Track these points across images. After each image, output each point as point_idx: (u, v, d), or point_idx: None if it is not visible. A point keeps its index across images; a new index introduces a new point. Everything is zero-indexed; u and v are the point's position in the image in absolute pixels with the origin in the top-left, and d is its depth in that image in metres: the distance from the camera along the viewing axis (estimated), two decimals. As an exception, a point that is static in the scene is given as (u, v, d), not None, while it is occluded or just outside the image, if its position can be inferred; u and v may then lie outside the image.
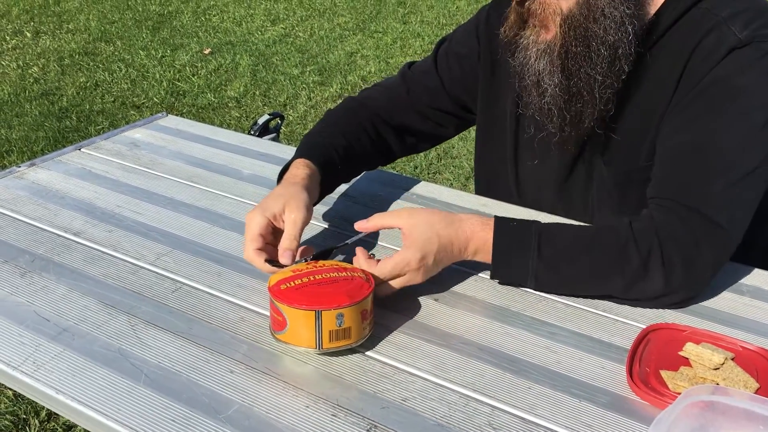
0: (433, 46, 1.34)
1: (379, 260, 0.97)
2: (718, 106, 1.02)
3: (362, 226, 1.01)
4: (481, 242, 1.00)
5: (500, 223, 1.01)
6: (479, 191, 1.38)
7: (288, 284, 0.90)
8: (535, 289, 1.02)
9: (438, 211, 1.02)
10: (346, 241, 1.05)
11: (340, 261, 1.01)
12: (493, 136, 1.29)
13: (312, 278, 0.91)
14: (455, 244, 0.99)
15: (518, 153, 1.26)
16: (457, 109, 1.32)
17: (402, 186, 1.34)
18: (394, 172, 1.36)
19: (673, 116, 1.06)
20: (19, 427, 1.86)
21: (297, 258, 0.98)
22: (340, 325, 0.88)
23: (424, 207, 1.05)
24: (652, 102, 1.08)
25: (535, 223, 1.02)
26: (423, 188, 1.34)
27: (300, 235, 0.99)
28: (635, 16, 1.04)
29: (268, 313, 0.96)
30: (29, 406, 1.91)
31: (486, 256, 1.01)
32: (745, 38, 1.01)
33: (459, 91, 1.30)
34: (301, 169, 1.10)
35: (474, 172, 1.40)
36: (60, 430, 1.84)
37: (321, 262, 0.96)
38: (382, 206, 1.26)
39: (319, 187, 1.12)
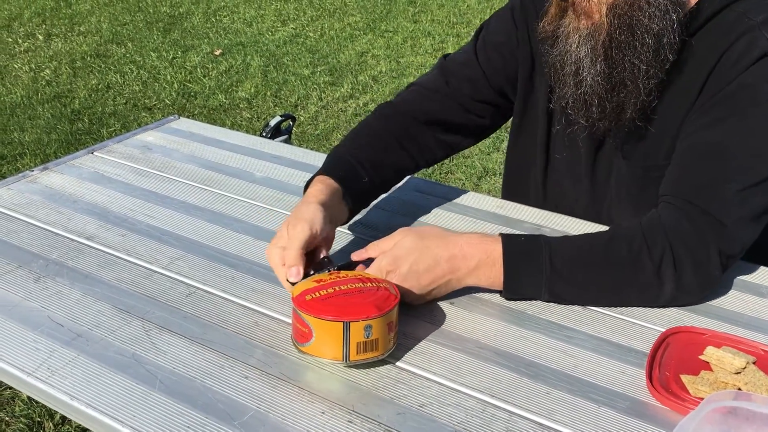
0: (472, 35, 1.31)
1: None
2: (741, 111, 1.01)
3: (359, 255, 0.99)
4: (483, 255, 0.97)
5: (508, 238, 0.99)
6: (507, 180, 1.37)
7: (313, 295, 0.88)
8: (549, 302, 1.01)
9: (435, 228, 1.00)
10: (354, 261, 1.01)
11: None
12: (528, 124, 1.27)
13: (337, 288, 0.89)
14: (443, 257, 0.96)
15: (550, 145, 1.24)
16: (498, 99, 1.28)
17: (417, 188, 1.33)
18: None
19: (696, 117, 1.05)
20: (34, 430, 1.86)
21: (313, 270, 0.96)
22: (368, 337, 0.86)
23: (425, 226, 1.02)
24: (677, 101, 1.07)
25: (543, 238, 1.00)
26: (439, 190, 1.33)
27: (303, 250, 0.95)
28: (678, 4, 1.02)
29: (283, 319, 0.96)
30: (43, 409, 1.91)
31: (490, 271, 0.97)
32: None
33: (501, 81, 1.26)
34: (315, 186, 1.07)
35: (505, 159, 1.38)
36: (74, 432, 1.85)
37: (344, 273, 0.94)
38: (397, 208, 1.25)
39: (345, 202, 1.09)
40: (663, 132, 1.09)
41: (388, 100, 1.31)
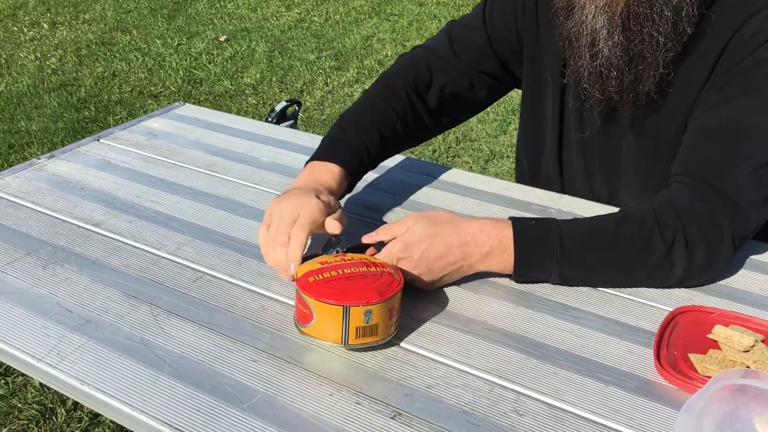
0: (478, 4, 1.29)
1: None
2: (755, 88, 1.00)
3: (371, 238, 0.99)
4: (495, 241, 0.96)
5: (518, 223, 0.98)
6: (519, 161, 1.36)
7: (316, 277, 0.88)
8: (558, 284, 1.00)
9: (447, 213, 0.99)
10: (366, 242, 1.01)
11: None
12: (539, 98, 1.26)
13: (341, 272, 0.89)
14: (455, 244, 0.95)
15: (563, 122, 1.23)
16: (500, 70, 1.27)
17: (424, 171, 1.33)
18: (413, 156, 1.34)
19: (709, 94, 1.04)
20: (47, 416, 1.88)
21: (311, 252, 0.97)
22: (367, 322, 0.86)
23: (436, 210, 1.01)
24: (690, 76, 1.05)
25: (554, 221, 0.99)
26: (446, 173, 1.32)
27: (302, 253, 0.96)
28: None
29: (290, 302, 0.96)
30: (56, 396, 1.93)
31: (501, 257, 0.97)
32: None
33: (505, 50, 1.24)
34: (326, 176, 1.08)
35: (517, 139, 1.36)
36: (86, 418, 1.87)
37: (350, 256, 0.94)
38: (404, 192, 1.25)
39: (345, 185, 1.11)
40: (675, 107, 1.08)
41: (399, 60, 1.29)
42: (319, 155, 1.12)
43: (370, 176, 1.29)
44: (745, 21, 1.00)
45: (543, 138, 1.28)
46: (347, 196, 1.22)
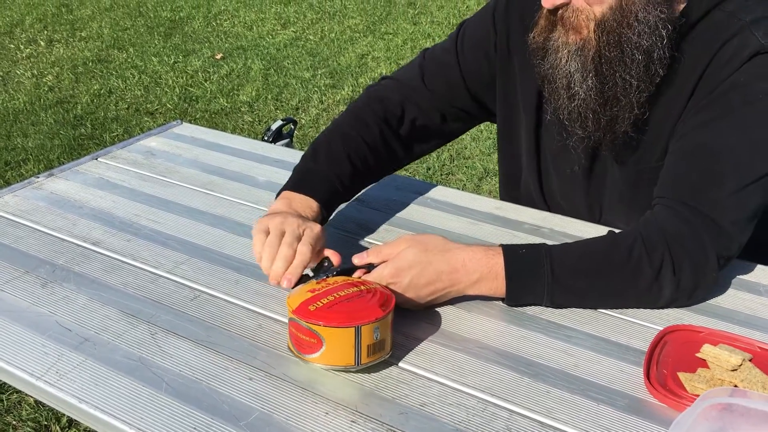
0: (452, 33, 1.29)
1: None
2: (734, 110, 1.02)
3: (361, 259, 0.99)
4: (486, 269, 0.98)
5: (509, 250, 0.99)
6: (503, 188, 1.37)
7: (316, 304, 0.88)
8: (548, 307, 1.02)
9: (439, 239, 1.00)
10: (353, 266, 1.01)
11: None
12: (514, 133, 1.27)
13: (337, 295, 0.89)
14: (445, 272, 0.96)
15: (541, 152, 1.24)
16: (472, 105, 1.28)
17: (416, 190, 1.35)
18: (407, 175, 1.36)
19: (689, 117, 1.06)
20: (41, 433, 1.88)
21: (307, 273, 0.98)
22: (376, 339, 0.87)
23: (428, 234, 1.02)
24: (670, 103, 1.08)
25: (544, 247, 1.00)
26: (438, 192, 1.34)
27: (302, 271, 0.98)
28: (668, 20, 1.02)
29: (286, 321, 0.97)
30: (50, 413, 1.93)
31: (492, 284, 0.98)
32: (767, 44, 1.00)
33: (477, 86, 1.26)
34: (305, 209, 1.08)
35: (498, 167, 1.38)
36: (81, 436, 1.86)
37: (332, 280, 0.94)
38: (396, 210, 1.27)
39: (320, 218, 1.11)
40: (657, 135, 1.10)
41: (368, 91, 1.29)
42: (294, 186, 1.12)
43: (362, 194, 1.31)
44: (721, 46, 1.03)
45: (522, 169, 1.29)
46: (340, 214, 1.23)
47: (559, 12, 1.05)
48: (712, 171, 1.02)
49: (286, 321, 0.97)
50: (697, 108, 1.05)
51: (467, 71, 1.25)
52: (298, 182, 1.13)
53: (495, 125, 1.33)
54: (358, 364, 0.87)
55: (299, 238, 0.98)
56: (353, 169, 1.18)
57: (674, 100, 1.07)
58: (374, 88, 1.30)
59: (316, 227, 1.01)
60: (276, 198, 1.12)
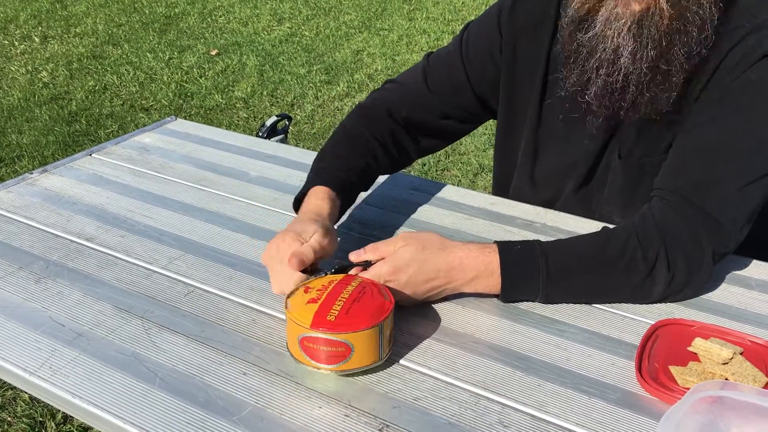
0: (456, 36, 1.28)
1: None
2: (744, 108, 1.01)
3: (358, 256, 0.99)
4: (482, 267, 0.98)
5: (504, 248, 0.99)
6: (497, 186, 1.38)
7: (329, 315, 0.86)
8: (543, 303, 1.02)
9: (435, 236, 1.00)
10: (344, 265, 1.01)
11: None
12: (514, 129, 1.27)
13: (344, 297, 0.89)
14: (442, 270, 0.97)
15: (538, 145, 1.24)
16: (477, 106, 1.28)
17: (411, 186, 1.35)
18: (403, 171, 1.36)
19: (697, 113, 1.05)
20: (36, 429, 1.88)
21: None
22: (390, 329, 0.89)
23: (425, 231, 1.02)
24: (681, 98, 1.06)
25: (539, 244, 1.00)
26: (433, 188, 1.34)
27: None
28: (712, 1, 1.00)
29: (280, 316, 0.97)
30: (45, 409, 1.93)
31: (487, 281, 0.99)
32: None
33: (483, 88, 1.25)
34: (323, 201, 1.08)
35: (494, 167, 1.38)
36: (76, 432, 1.87)
37: (328, 279, 0.93)
38: (391, 206, 1.27)
39: (338, 205, 1.11)
40: (667, 127, 1.09)
41: (372, 94, 1.30)
42: (305, 187, 1.12)
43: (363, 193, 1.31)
44: (736, 43, 1.02)
45: (517, 167, 1.29)
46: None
47: None
48: (716, 167, 1.02)
49: (280, 317, 0.97)
50: (706, 103, 1.04)
51: (473, 73, 1.25)
52: (308, 182, 1.13)
53: (491, 122, 1.33)
54: (381, 359, 0.88)
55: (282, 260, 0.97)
56: (365, 164, 1.18)
57: (687, 93, 1.06)
58: (378, 93, 1.30)
59: (311, 229, 0.99)
60: (293, 204, 1.13)
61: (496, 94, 1.26)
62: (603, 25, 1.02)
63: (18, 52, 4.71)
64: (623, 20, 1.00)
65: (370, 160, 1.20)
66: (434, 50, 1.32)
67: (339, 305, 0.87)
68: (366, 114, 1.25)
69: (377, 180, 1.34)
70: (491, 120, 1.33)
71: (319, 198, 1.08)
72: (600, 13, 1.02)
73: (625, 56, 1.01)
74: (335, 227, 1.10)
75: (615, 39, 1.01)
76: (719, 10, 1.01)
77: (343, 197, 1.13)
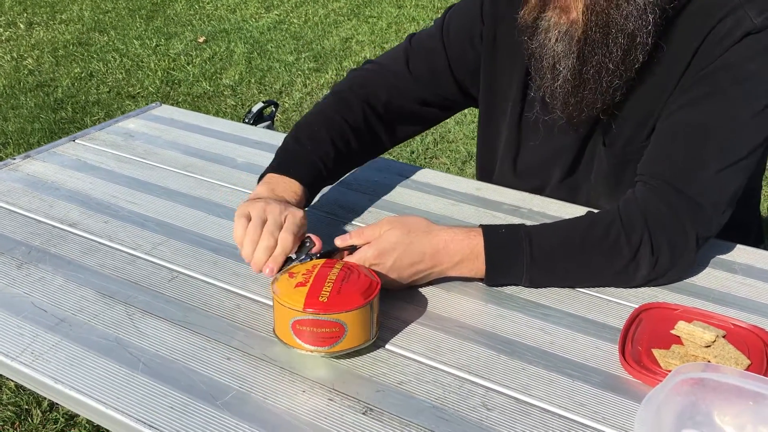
0: (438, 19, 1.28)
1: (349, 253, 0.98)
2: (723, 90, 1.02)
3: (344, 241, 0.99)
4: (467, 250, 0.98)
5: (489, 231, 1.00)
6: (481, 174, 1.37)
7: (321, 296, 0.86)
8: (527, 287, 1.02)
9: (421, 220, 1.00)
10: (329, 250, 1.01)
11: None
12: (495, 117, 1.27)
13: (332, 278, 0.88)
14: (427, 253, 0.97)
15: (521, 135, 1.24)
16: (456, 93, 1.28)
17: (398, 172, 1.34)
18: (391, 158, 1.35)
19: (678, 96, 1.05)
20: (22, 417, 1.87)
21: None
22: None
23: (410, 215, 1.03)
24: (660, 83, 1.07)
25: (523, 228, 1.00)
26: (420, 174, 1.34)
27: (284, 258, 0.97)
28: (656, 4, 1.01)
29: (264, 301, 0.97)
30: (31, 397, 1.92)
31: (473, 264, 0.99)
32: (760, 24, 1.00)
33: (463, 73, 1.25)
34: (288, 192, 1.07)
35: (476, 154, 1.38)
36: (62, 420, 1.86)
37: (312, 264, 0.92)
38: (378, 192, 1.27)
39: (304, 201, 1.10)
40: (647, 115, 1.10)
41: (351, 75, 1.28)
42: (277, 169, 1.11)
43: (345, 176, 1.31)
44: (715, 24, 1.02)
45: (502, 148, 1.29)
46: (323, 195, 1.23)
47: None
48: (696, 150, 1.02)
49: (265, 302, 0.97)
50: (686, 86, 1.05)
51: (453, 58, 1.24)
52: (281, 164, 1.12)
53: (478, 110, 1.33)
54: (373, 336, 0.89)
55: (281, 226, 0.97)
56: (336, 151, 1.17)
57: (666, 77, 1.07)
58: (357, 72, 1.29)
59: (299, 213, 1.00)
60: (258, 181, 1.11)
61: (477, 81, 1.26)
62: (544, 34, 1.07)
63: (3, 38, 4.66)
64: (556, 30, 1.05)
65: (343, 148, 1.18)
66: (416, 33, 1.31)
67: (329, 286, 0.87)
68: (341, 99, 1.23)
69: (364, 165, 1.33)
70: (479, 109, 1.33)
71: (292, 190, 1.08)
72: (541, 22, 1.07)
73: (560, 63, 1.06)
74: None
75: (552, 47, 1.06)
76: (670, 11, 1.03)
77: (310, 194, 1.12)
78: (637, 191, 1.04)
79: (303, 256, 0.97)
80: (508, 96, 1.23)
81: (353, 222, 1.18)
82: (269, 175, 1.11)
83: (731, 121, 1.02)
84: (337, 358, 0.88)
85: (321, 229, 1.13)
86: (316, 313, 0.84)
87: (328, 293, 0.86)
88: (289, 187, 1.09)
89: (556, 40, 1.05)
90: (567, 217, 1.06)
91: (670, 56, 1.06)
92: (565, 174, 1.22)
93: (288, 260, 0.97)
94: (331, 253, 0.99)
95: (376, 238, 0.97)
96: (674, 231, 0.99)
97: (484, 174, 1.35)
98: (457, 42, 1.24)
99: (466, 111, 3.41)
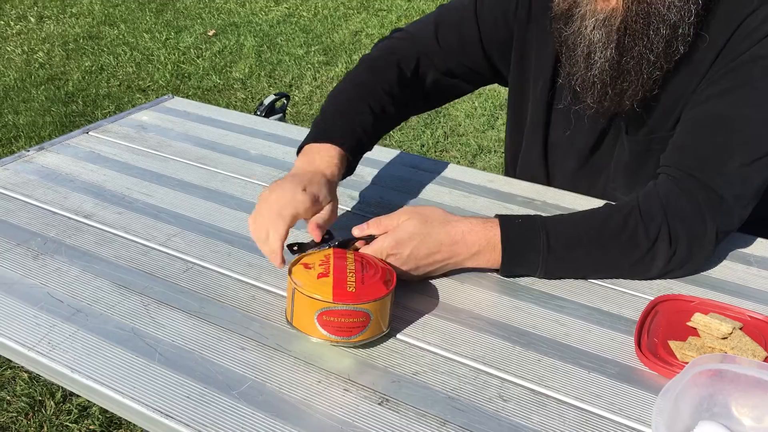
0: None
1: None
2: (751, 83, 1.00)
3: (361, 230, 0.99)
4: (484, 241, 0.98)
5: (505, 221, 0.99)
6: (508, 157, 1.37)
7: (346, 287, 0.86)
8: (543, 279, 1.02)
9: (438, 210, 1.00)
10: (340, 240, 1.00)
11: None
12: (524, 101, 1.26)
13: (351, 270, 0.89)
14: (445, 243, 0.97)
15: (551, 120, 1.23)
16: (484, 66, 1.26)
17: (411, 164, 1.34)
18: (402, 150, 1.35)
19: (705, 87, 1.04)
20: (35, 408, 1.89)
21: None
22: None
23: (427, 206, 1.02)
24: (690, 73, 1.06)
25: (540, 218, 1.00)
26: (431, 165, 1.34)
27: (282, 243, 0.95)
28: None
29: (278, 292, 0.97)
30: (44, 388, 1.93)
31: (489, 255, 0.99)
32: None
33: (493, 48, 1.24)
34: (325, 160, 1.06)
35: (505, 138, 1.37)
36: (75, 411, 1.87)
37: (324, 254, 0.93)
38: (391, 184, 1.27)
39: (346, 165, 1.09)
40: (673, 104, 1.09)
41: (379, 44, 1.27)
42: (316, 136, 1.09)
43: (359, 168, 1.30)
44: (744, 18, 1.01)
45: (529, 141, 1.28)
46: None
47: None
48: (722, 143, 1.01)
49: (279, 293, 0.97)
50: (714, 78, 1.03)
51: (485, 30, 1.23)
52: (322, 133, 1.10)
53: (490, 103, 1.32)
54: (388, 328, 0.89)
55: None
56: (374, 117, 1.16)
57: (694, 70, 1.05)
58: (386, 41, 1.28)
59: (298, 198, 0.96)
60: (298, 153, 1.09)
61: (506, 57, 1.25)
62: (580, 21, 1.04)
63: (14, 32, 4.68)
64: (593, 18, 1.03)
65: (380, 113, 1.17)
66: (447, 2, 1.30)
67: (352, 277, 0.88)
68: (373, 66, 1.22)
69: (376, 159, 1.33)
70: (490, 103, 1.32)
71: (332, 161, 1.06)
72: (578, 9, 1.05)
73: (596, 52, 1.04)
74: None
75: (588, 35, 1.04)
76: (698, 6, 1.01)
77: (352, 160, 1.11)
78: (658, 183, 1.03)
79: (323, 245, 0.97)
80: (538, 79, 1.22)
81: (367, 214, 1.17)
82: (308, 146, 1.08)
83: (759, 114, 1.00)
84: (357, 347, 0.88)
85: (335, 220, 1.13)
86: (348, 303, 0.84)
87: (354, 283, 0.86)
88: (329, 158, 1.06)
89: (593, 28, 1.03)
90: (581, 209, 1.06)
91: (701, 45, 1.04)
92: (586, 160, 1.21)
93: (305, 245, 0.97)
94: (347, 242, 0.99)
95: (394, 228, 0.97)
96: (694, 223, 0.98)
97: (512, 157, 1.35)
98: (490, 14, 1.22)
99: (476, 104, 3.40)
